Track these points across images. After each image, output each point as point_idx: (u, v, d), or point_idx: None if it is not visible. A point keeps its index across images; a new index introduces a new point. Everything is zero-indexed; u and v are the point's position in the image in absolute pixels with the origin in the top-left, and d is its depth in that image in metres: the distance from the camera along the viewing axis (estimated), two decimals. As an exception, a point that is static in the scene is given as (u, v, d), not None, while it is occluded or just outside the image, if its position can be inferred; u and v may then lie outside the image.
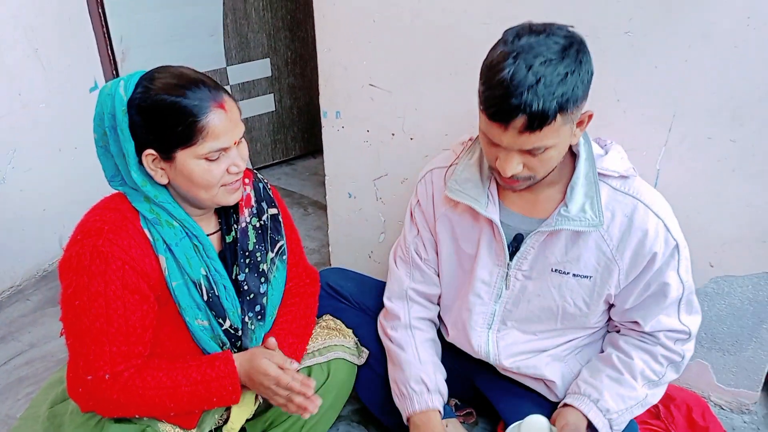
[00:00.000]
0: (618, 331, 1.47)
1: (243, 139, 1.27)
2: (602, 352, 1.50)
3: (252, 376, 1.31)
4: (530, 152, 1.17)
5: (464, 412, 1.77)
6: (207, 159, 1.19)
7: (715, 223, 1.57)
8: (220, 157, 1.21)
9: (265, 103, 3.14)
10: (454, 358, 1.61)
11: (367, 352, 1.62)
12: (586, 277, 1.35)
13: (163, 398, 1.27)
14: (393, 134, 1.91)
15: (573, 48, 1.12)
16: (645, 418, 1.70)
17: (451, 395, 1.76)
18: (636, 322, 1.40)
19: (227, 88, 2.95)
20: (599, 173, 1.30)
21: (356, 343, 1.62)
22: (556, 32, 1.13)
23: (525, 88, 1.08)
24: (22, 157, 2.31)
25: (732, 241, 1.57)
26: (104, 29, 2.52)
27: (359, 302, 1.70)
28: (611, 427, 1.37)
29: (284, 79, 3.14)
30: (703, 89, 1.45)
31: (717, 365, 1.75)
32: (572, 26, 1.16)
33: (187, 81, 1.17)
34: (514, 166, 1.19)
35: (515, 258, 1.38)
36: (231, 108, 1.21)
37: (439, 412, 1.49)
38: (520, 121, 1.11)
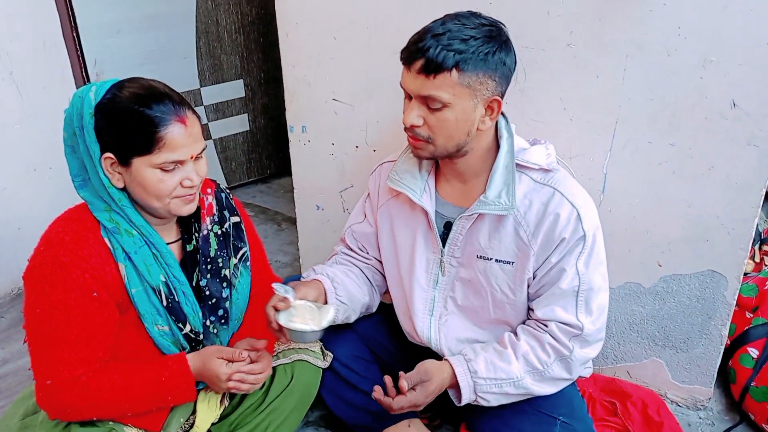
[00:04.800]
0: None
1: (203, 156, 1.32)
2: None
3: (205, 375, 1.36)
4: (427, 104, 1.28)
5: (428, 414, 1.81)
6: (162, 169, 1.24)
7: (660, 224, 1.64)
8: (175, 169, 1.26)
9: (239, 123, 3.20)
10: (418, 357, 1.64)
11: (332, 355, 1.66)
12: (508, 263, 1.43)
13: (119, 399, 1.30)
14: (357, 146, 1.98)
15: (489, 27, 1.27)
16: (602, 414, 1.75)
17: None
18: (532, 309, 1.45)
19: (201, 108, 3.02)
20: (521, 165, 1.39)
21: (321, 348, 1.66)
22: (485, 17, 1.29)
23: (430, 35, 1.25)
24: (-4, 177, 2.35)
25: (677, 241, 1.64)
26: (78, 52, 2.57)
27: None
28: (475, 391, 1.42)
29: (258, 100, 3.20)
30: (641, 96, 1.53)
31: (671, 362, 1.81)
32: (504, 24, 1.30)
33: (153, 93, 1.23)
34: (413, 116, 1.31)
35: (447, 245, 1.47)
36: (192, 124, 1.26)
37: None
38: (419, 62, 1.25)
